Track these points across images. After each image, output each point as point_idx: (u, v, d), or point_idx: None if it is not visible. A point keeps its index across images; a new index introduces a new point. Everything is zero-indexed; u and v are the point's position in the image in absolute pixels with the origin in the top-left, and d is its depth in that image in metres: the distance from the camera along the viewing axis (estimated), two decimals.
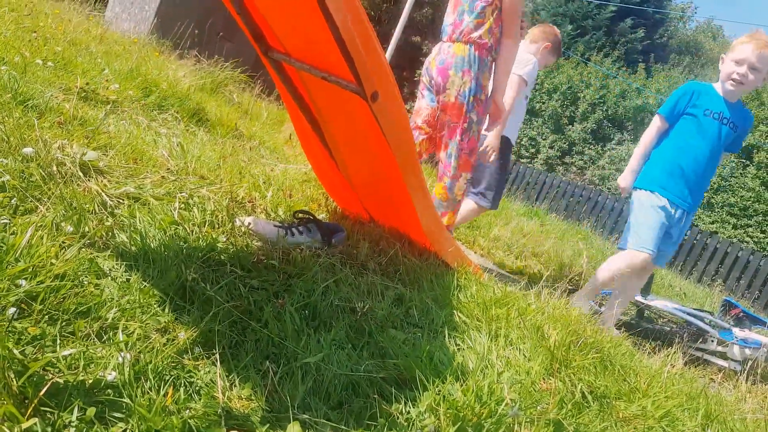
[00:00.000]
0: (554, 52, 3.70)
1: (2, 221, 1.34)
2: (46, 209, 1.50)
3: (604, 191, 10.89)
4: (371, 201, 2.57)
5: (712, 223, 10.61)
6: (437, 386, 1.35)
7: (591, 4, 14.97)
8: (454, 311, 1.94)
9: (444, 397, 1.31)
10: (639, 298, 3.55)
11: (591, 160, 12.37)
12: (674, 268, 8.64)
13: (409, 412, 1.26)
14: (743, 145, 10.47)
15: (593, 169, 12.19)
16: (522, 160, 12.57)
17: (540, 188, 11.03)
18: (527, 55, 3.46)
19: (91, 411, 0.90)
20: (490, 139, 3.05)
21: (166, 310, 1.31)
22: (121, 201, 1.79)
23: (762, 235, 10.16)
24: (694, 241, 8.98)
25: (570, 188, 10.66)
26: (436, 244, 2.38)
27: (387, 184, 2.22)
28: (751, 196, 10.31)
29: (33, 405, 0.86)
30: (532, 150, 13.13)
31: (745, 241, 10.03)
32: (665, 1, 15.67)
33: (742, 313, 3.71)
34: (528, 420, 1.35)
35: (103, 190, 1.76)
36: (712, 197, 10.71)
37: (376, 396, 1.29)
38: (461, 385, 1.39)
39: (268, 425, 1.08)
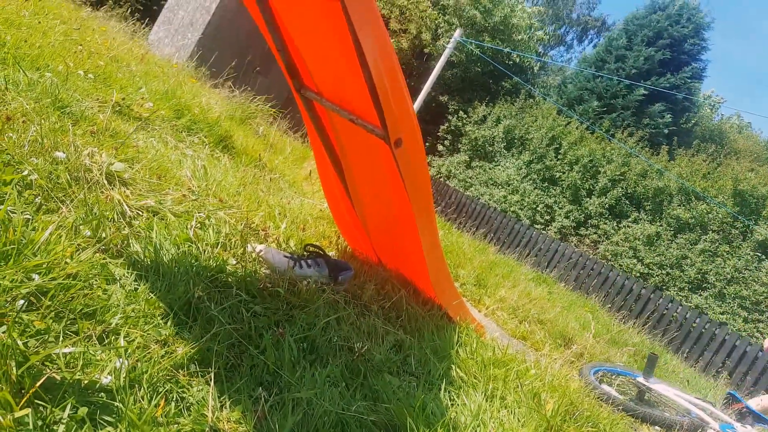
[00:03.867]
0: None
1: (25, 216, 1.38)
2: (68, 211, 1.54)
3: (616, 268, 10.79)
4: (382, 245, 2.59)
5: (722, 313, 10.41)
6: None
7: (620, 84, 15.18)
8: (452, 365, 1.93)
9: None
10: (641, 379, 3.48)
11: (605, 234, 12.31)
12: (680, 354, 8.45)
13: None
14: (760, 239, 10.43)
15: (607, 244, 12.11)
16: (536, 227, 12.54)
17: (552, 256, 10.95)
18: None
19: (83, 410, 0.91)
20: None
21: (169, 324, 1.32)
22: (140, 213, 1.83)
23: None
24: (703, 330, 8.79)
25: (582, 260, 10.57)
26: (441, 296, 2.38)
27: (400, 230, 2.24)
28: (764, 291, 10.14)
29: (28, 396, 0.87)
30: (547, 217, 13.13)
31: (755, 336, 9.82)
32: (694, 90, 15.83)
33: (745, 409, 3.60)
34: None
35: (124, 200, 1.80)
36: (725, 288, 10.56)
37: None
38: None
39: None
